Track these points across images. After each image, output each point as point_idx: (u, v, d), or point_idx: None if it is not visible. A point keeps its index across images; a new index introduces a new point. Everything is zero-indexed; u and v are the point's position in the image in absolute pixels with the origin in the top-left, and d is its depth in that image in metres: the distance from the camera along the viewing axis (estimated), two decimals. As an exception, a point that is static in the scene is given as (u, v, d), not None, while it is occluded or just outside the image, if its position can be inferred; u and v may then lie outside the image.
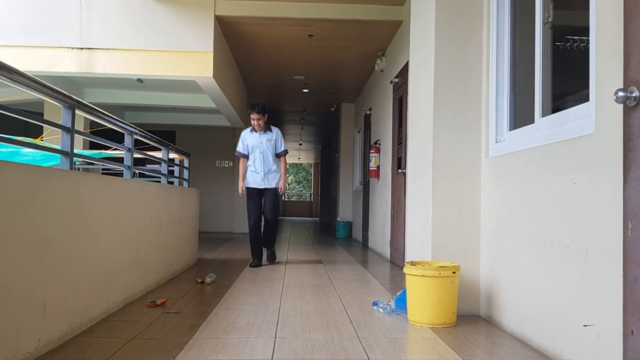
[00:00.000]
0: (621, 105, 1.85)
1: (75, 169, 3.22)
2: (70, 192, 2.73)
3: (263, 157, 5.78)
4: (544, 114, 2.84)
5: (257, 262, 5.82)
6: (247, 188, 5.84)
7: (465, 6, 3.55)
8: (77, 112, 3.03)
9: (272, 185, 5.83)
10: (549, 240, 2.56)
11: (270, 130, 5.88)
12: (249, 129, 5.92)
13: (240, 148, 5.92)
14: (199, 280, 4.58)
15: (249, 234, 5.92)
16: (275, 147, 5.86)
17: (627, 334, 1.79)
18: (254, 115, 5.76)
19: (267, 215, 5.88)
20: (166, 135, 8.81)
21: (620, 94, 1.79)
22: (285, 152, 5.94)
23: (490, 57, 3.46)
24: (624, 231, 1.81)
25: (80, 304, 2.82)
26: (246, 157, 5.88)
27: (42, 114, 7.56)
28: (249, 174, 5.85)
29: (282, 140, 5.91)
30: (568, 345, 2.37)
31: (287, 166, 5.76)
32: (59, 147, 2.91)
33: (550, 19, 2.87)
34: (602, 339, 2.10)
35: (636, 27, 1.77)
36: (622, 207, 1.82)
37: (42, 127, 5.69)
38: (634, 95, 1.75)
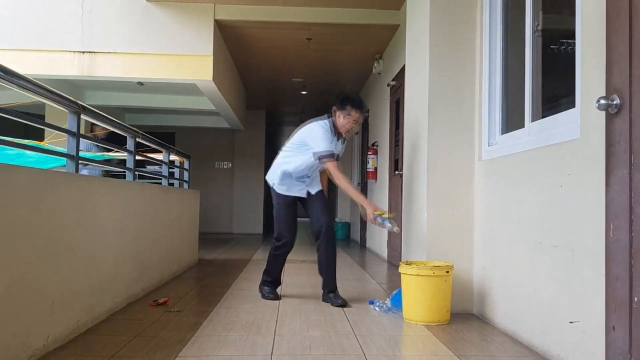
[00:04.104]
0: (604, 112, 1.94)
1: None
2: (76, 194, 2.82)
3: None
4: (533, 119, 2.94)
5: (274, 293, 3.98)
6: (285, 196, 3.96)
7: (459, 13, 3.65)
8: (83, 116, 3.12)
9: (317, 188, 4.03)
10: (539, 241, 2.65)
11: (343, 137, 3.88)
12: (327, 127, 3.80)
13: (331, 147, 3.78)
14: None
15: (271, 251, 4.07)
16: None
17: (609, 329, 1.88)
18: (355, 115, 3.78)
19: (320, 227, 3.89)
20: (166, 137, 8.92)
21: (602, 101, 1.87)
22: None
23: (483, 63, 3.56)
24: (606, 232, 1.90)
25: (85, 303, 2.91)
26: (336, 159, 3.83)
27: (43, 116, 7.64)
28: (291, 180, 3.93)
29: None
30: (556, 342, 2.47)
31: None
32: (64, 150, 3.00)
33: (539, 28, 2.97)
34: (587, 335, 2.20)
35: (617, 37, 1.86)
36: (605, 209, 1.91)
37: (42, 127, 5.76)
38: (615, 102, 1.84)
